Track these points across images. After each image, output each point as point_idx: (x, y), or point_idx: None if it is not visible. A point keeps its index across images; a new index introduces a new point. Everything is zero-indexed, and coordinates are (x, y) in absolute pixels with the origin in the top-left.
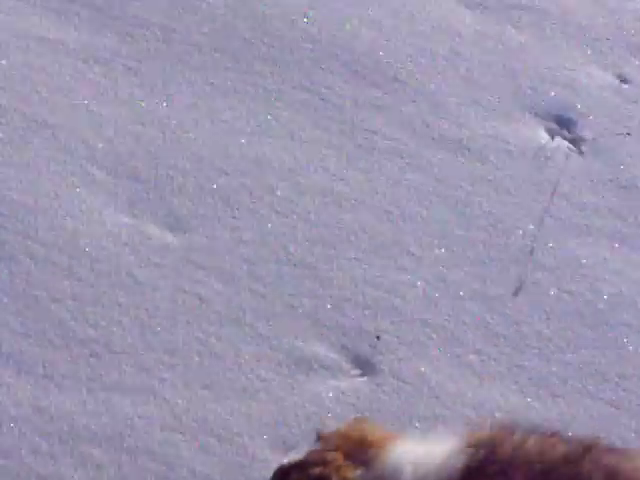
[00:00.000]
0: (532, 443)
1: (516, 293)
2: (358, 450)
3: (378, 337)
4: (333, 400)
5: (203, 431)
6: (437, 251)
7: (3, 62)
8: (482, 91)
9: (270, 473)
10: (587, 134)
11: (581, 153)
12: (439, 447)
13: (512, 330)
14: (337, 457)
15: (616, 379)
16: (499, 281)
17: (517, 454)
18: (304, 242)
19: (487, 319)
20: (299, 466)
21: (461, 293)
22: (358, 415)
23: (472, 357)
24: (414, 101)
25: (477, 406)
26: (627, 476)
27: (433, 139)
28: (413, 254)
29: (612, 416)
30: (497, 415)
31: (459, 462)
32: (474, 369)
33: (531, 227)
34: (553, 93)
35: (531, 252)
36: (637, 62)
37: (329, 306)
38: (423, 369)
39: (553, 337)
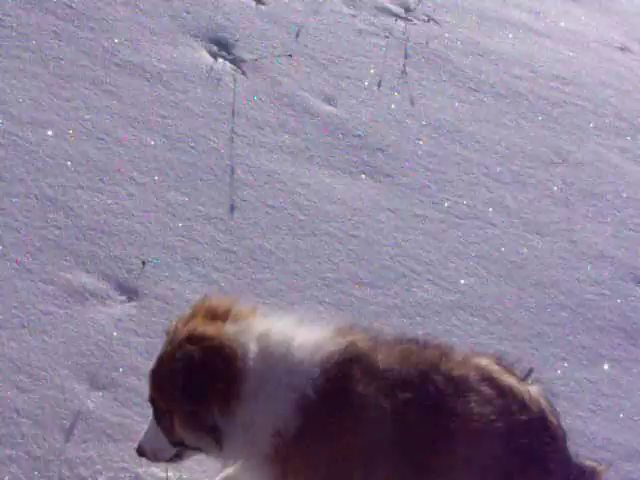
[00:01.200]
0: (389, 349)
1: (232, 211)
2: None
3: (144, 262)
4: (112, 326)
5: (13, 371)
6: (157, 177)
7: None
8: (144, 15)
9: (83, 404)
10: (244, 55)
11: (244, 73)
12: (315, 334)
13: (240, 246)
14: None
15: (333, 281)
16: (215, 201)
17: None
18: (36, 174)
19: (216, 238)
20: (161, 360)
21: (188, 215)
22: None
23: (215, 275)
24: (92, 27)
25: None
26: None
27: (118, 65)
28: (135, 180)
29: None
30: None
31: (335, 353)
32: (220, 286)
33: (224, 147)
34: (207, 15)
35: (232, 171)
36: None
37: (81, 235)
38: (176, 287)
39: (274, 250)
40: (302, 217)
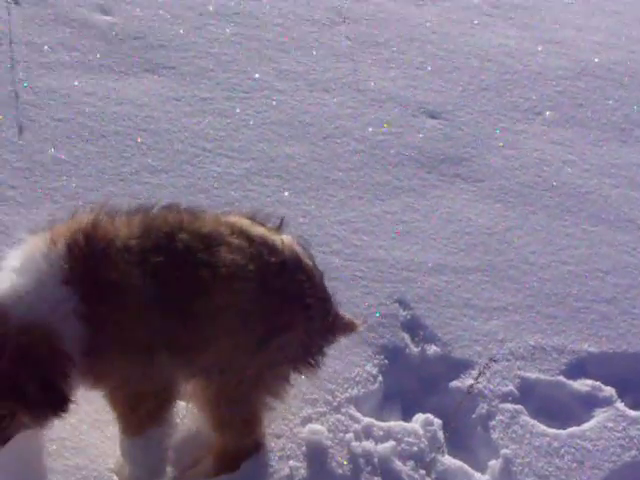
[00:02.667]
0: (127, 218)
1: (21, 132)
2: None
3: None
4: None
5: None
6: None
7: None
8: None
9: None
10: None
11: (17, 3)
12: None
13: (32, 162)
14: None
15: (128, 175)
16: (3, 126)
17: (115, 228)
18: None
19: (9, 159)
20: None
21: None
22: None
23: (12, 192)
24: None
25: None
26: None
27: None
28: None
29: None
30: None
31: (61, 251)
32: (18, 202)
33: (6, 75)
34: None
35: (17, 96)
36: None
37: None
38: None
39: (67, 158)
40: (91, 123)
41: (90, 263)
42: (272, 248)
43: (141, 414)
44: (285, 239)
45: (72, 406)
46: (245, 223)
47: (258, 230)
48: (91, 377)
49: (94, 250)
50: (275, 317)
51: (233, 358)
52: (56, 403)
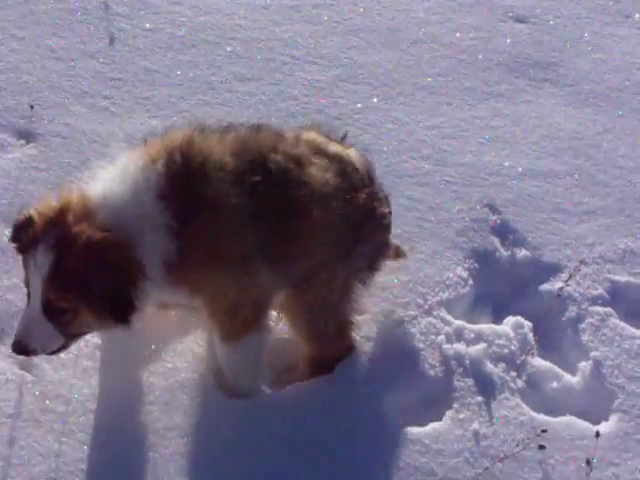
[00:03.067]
0: (220, 137)
1: (111, 43)
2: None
3: (32, 106)
4: (17, 169)
5: None
6: (34, 27)
7: None
8: None
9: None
10: None
11: None
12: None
13: (124, 72)
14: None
15: (218, 83)
16: (95, 37)
17: (209, 147)
18: None
19: (101, 70)
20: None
21: (71, 56)
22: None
23: (105, 103)
24: None
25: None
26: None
27: None
28: (16, 35)
29: None
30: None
31: (159, 168)
32: (111, 111)
33: None
34: None
35: (106, 7)
36: None
37: None
38: (70, 122)
39: (157, 68)
40: (180, 33)
41: (186, 181)
42: (351, 165)
43: (238, 321)
44: (352, 154)
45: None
46: (321, 142)
47: (333, 147)
48: (186, 288)
49: (190, 168)
50: (361, 228)
51: (324, 269)
52: (118, 309)
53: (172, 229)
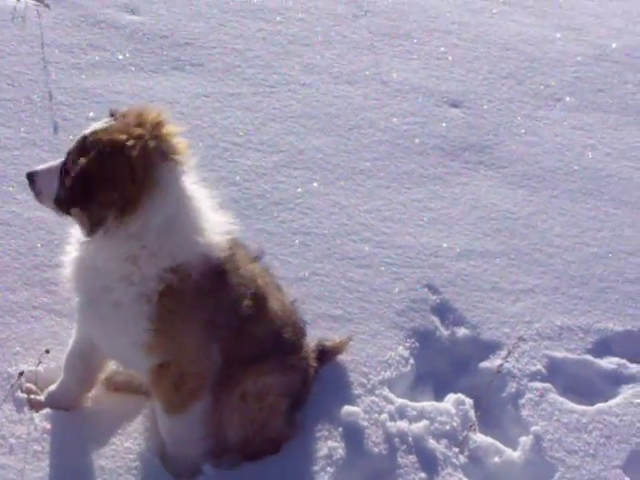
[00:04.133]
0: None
1: (56, 132)
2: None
3: None
4: None
5: None
6: None
7: None
8: None
9: None
10: None
11: (47, 6)
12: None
13: None
14: (140, 129)
15: None
16: (39, 126)
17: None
18: None
19: (45, 158)
20: (103, 130)
21: (16, 145)
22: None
23: None
24: None
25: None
26: None
27: None
28: None
29: None
30: None
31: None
32: None
33: (39, 77)
34: None
35: (50, 97)
36: None
37: None
38: (15, 209)
39: None
40: None
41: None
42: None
43: (184, 392)
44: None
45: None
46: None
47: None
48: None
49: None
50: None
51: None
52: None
53: (205, 256)
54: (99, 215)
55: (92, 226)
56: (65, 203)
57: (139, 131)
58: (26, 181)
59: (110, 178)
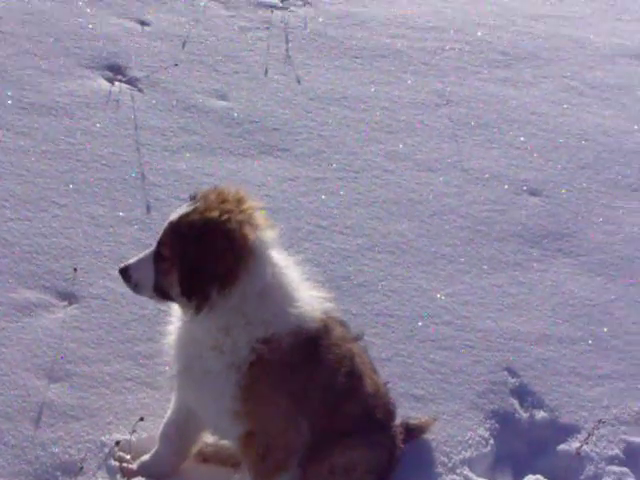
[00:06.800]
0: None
1: (148, 211)
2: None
3: (75, 269)
4: (59, 328)
5: None
6: (76, 195)
7: None
8: (42, 59)
9: (45, 395)
10: (137, 73)
11: (140, 90)
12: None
13: None
14: (227, 204)
15: None
16: (132, 205)
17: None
18: None
19: (138, 237)
20: (192, 213)
21: (110, 223)
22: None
23: None
24: None
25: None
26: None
27: (25, 108)
28: (57, 203)
29: None
30: None
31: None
32: None
33: (133, 158)
34: (98, 46)
35: (143, 177)
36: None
37: (18, 259)
38: (109, 284)
39: None
40: None
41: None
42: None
43: (271, 463)
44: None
45: None
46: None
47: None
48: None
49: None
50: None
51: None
52: (190, 284)
53: (298, 329)
54: (204, 294)
55: (198, 305)
56: (181, 295)
57: (227, 206)
58: (120, 259)
59: (214, 257)
